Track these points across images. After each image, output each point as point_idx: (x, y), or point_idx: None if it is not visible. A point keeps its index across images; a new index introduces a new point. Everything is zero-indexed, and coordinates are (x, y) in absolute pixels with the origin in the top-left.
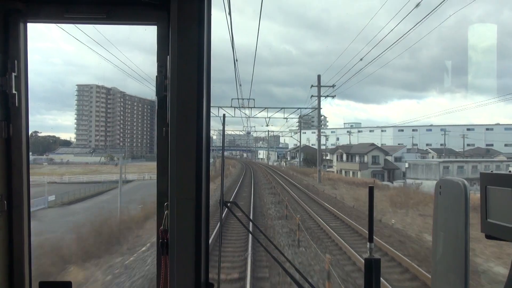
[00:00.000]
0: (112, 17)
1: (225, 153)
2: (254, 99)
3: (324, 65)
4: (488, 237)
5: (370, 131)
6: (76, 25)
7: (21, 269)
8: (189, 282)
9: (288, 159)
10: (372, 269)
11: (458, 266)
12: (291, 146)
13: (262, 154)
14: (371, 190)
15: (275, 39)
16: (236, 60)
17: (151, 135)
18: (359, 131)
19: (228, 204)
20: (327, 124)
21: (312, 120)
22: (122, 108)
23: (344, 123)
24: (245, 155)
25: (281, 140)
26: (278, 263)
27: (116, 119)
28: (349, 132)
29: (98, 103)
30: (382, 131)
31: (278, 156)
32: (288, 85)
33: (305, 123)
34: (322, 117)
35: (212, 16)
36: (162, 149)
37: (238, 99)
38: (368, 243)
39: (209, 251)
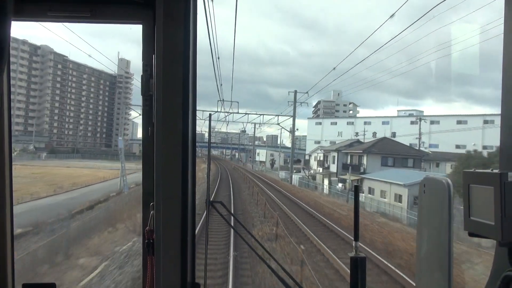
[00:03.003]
0: (96, 15)
1: (215, 152)
2: (238, 102)
3: (320, 67)
4: (471, 234)
5: (459, 122)
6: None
7: (4, 271)
8: (175, 282)
9: (327, 165)
10: (358, 267)
11: (442, 264)
12: (309, 146)
13: (263, 155)
14: (356, 189)
15: (271, 38)
16: (218, 58)
17: (108, 122)
18: (433, 123)
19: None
20: (357, 114)
21: (337, 106)
22: (59, 79)
23: (398, 111)
24: (237, 155)
25: (278, 141)
26: (263, 262)
27: (46, 94)
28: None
29: (14, 66)
30: (486, 122)
31: (284, 161)
32: (284, 86)
33: (326, 112)
34: (351, 105)
35: (208, 13)
36: (148, 149)
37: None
38: (354, 242)
39: (195, 251)
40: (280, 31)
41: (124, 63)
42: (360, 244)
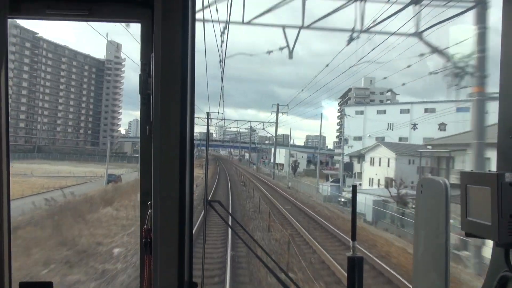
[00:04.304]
0: (94, 14)
1: (223, 152)
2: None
3: (330, 67)
4: (468, 235)
5: None
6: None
7: (1, 270)
8: (172, 281)
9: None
10: (355, 266)
11: (438, 264)
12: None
13: (282, 156)
14: (354, 189)
15: (280, 37)
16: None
17: (95, 116)
18: None
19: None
20: (396, 99)
21: (372, 95)
22: (28, 61)
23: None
24: (247, 155)
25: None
26: (262, 262)
27: (8, 78)
28: None
29: None
30: None
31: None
32: (292, 86)
33: (358, 102)
34: (389, 93)
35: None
36: (146, 148)
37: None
38: (351, 242)
39: (192, 250)
40: (288, 30)
41: (113, 47)
42: None
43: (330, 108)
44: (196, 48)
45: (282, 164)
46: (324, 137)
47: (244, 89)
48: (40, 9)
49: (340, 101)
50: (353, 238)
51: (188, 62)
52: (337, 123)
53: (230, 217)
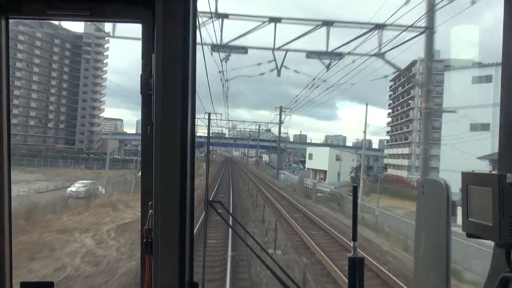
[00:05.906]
0: (95, 14)
1: (236, 153)
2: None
3: (341, 66)
4: (469, 235)
5: None
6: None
7: (2, 270)
8: (173, 282)
9: None
10: (355, 267)
11: (439, 264)
12: None
13: (322, 159)
14: (355, 189)
15: (291, 36)
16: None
17: (70, 107)
18: None
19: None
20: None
21: (447, 70)
22: None
23: None
24: (266, 157)
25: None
26: (262, 262)
27: None
28: None
29: None
30: None
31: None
32: (304, 86)
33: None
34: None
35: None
36: (147, 148)
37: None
38: (352, 242)
39: (193, 250)
40: (300, 28)
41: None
42: None
43: (344, 109)
44: (198, 47)
45: (324, 171)
46: (344, 137)
47: (257, 90)
48: (41, 9)
49: (395, 83)
50: (354, 238)
51: (190, 62)
52: (389, 114)
53: (230, 217)
